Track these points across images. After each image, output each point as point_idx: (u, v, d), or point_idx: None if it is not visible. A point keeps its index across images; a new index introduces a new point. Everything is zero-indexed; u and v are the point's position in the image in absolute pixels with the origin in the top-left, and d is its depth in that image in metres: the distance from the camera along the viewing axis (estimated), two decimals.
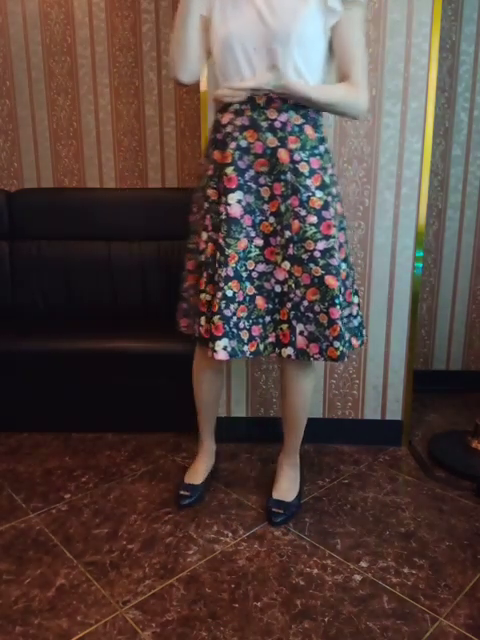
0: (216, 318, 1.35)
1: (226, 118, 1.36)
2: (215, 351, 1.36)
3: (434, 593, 1.28)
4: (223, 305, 1.35)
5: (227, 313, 1.35)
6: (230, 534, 1.50)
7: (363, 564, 1.38)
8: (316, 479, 1.79)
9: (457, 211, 2.38)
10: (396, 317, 1.91)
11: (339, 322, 1.36)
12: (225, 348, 1.36)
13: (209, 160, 1.42)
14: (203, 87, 1.73)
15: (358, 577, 1.34)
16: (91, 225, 2.34)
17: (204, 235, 1.42)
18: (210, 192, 1.40)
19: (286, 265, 1.36)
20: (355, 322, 1.49)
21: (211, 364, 1.59)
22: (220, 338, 1.35)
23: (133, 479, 1.78)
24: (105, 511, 1.60)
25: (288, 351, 1.39)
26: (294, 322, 1.38)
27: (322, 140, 1.39)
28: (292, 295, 1.37)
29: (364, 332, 1.54)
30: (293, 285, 1.37)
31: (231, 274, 1.35)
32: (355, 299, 1.49)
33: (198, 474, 1.69)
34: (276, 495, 1.60)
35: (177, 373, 2.02)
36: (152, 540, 1.47)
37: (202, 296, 1.42)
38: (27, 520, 1.56)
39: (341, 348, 1.37)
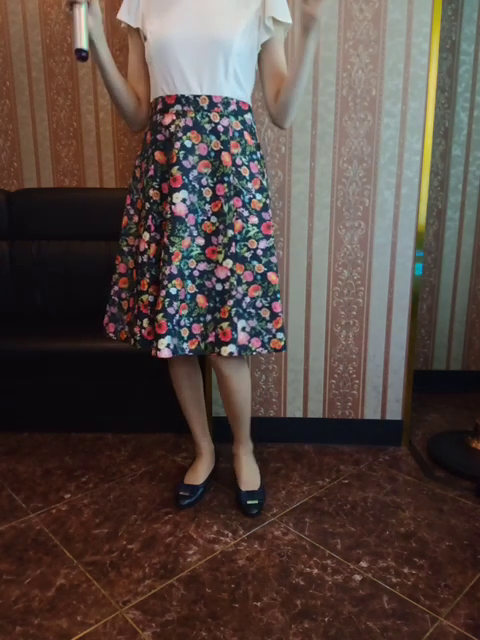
0: (160, 316, 1.36)
1: (168, 119, 1.38)
2: (159, 349, 1.35)
3: (434, 593, 1.28)
4: (167, 303, 1.36)
5: (170, 311, 1.36)
6: (230, 534, 1.50)
7: (363, 564, 1.38)
8: (316, 479, 1.79)
9: (457, 211, 2.39)
10: (396, 317, 1.91)
11: (281, 315, 1.47)
12: (168, 345, 1.36)
13: (149, 161, 1.42)
14: None
15: (358, 577, 1.34)
16: (91, 225, 2.34)
17: (146, 236, 1.42)
18: (152, 193, 1.41)
19: (228, 263, 1.39)
20: None
21: (185, 364, 1.62)
22: (163, 336, 1.36)
23: (133, 479, 1.78)
24: (105, 511, 1.60)
25: (229, 348, 1.39)
26: (235, 319, 1.40)
27: (258, 146, 1.47)
28: (234, 292, 1.39)
29: None
30: (235, 282, 1.40)
31: (175, 272, 1.36)
32: None
33: (198, 475, 1.70)
34: (245, 487, 1.64)
35: None
36: (152, 540, 1.47)
37: (144, 297, 1.43)
38: (27, 520, 1.56)
39: (284, 338, 1.48)
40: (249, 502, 1.60)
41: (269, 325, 1.47)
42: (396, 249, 1.86)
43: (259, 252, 1.44)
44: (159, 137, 1.40)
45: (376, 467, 1.87)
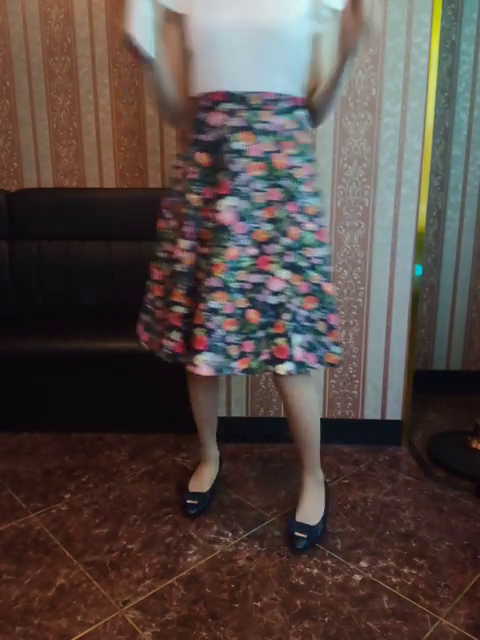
0: (198, 331, 1.25)
1: (215, 118, 1.27)
2: (195, 365, 1.25)
3: (434, 593, 1.28)
4: (206, 317, 1.25)
5: (210, 325, 1.25)
6: (230, 534, 1.50)
7: (363, 564, 1.38)
8: None
9: (457, 211, 2.38)
10: (396, 317, 1.91)
11: (337, 328, 1.37)
12: (207, 362, 1.25)
13: (191, 163, 1.32)
14: None
15: (358, 577, 1.34)
16: (91, 225, 2.34)
17: (182, 243, 1.32)
18: (191, 197, 1.31)
19: (284, 274, 1.28)
20: None
21: (203, 379, 1.51)
22: (201, 352, 1.25)
23: (133, 479, 1.78)
24: (105, 511, 1.60)
25: (286, 367, 1.29)
26: (291, 334, 1.29)
27: (311, 147, 1.36)
28: (289, 305, 1.29)
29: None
30: (291, 294, 1.29)
31: (218, 285, 1.25)
32: None
33: (203, 482, 1.64)
34: (299, 517, 1.47)
35: (178, 373, 2.02)
36: (152, 540, 1.47)
37: (176, 308, 1.33)
38: (27, 520, 1.56)
39: (339, 352, 1.37)
40: (297, 534, 1.44)
41: (325, 338, 1.35)
42: (396, 249, 1.86)
43: (315, 261, 1.32)
44: (203, 137, 1.29)
45: (376, 467, 1.86)
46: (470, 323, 2.50)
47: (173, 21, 1.30)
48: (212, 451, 1.69)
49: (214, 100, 1.26)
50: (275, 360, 1.29)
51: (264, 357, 1.30)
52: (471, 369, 2.54)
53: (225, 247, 1.25)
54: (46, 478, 1.78)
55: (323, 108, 1.35)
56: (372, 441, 2.01)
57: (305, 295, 1.32)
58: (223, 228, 1.25)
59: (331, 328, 1.36)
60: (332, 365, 1.38)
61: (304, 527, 1.45)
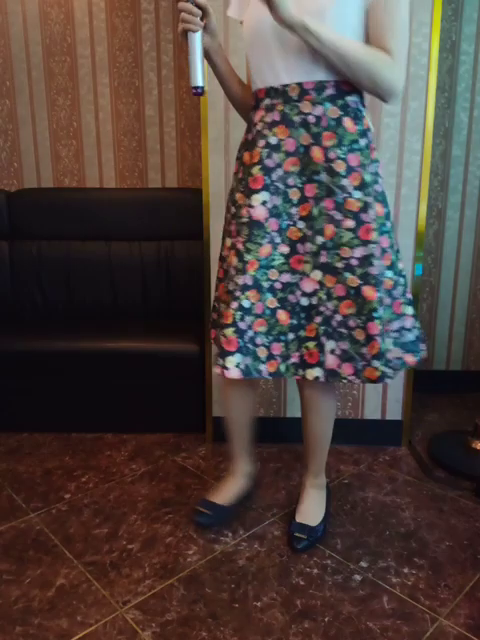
0: (229, 331, 1.22)
1: (257, 115, 1.27)
2: (226, 368, 1.22)
3: (434, 593, 1.28)
4: (238, 317, 1.22)
5: (242, 326, 1.22)
6: (230, 534, 1.50)
7: (363, 564, 1.38)
8: None
9: (457, 211, 2.38)
10: None
11: (378, 338, 1.22)
12: (238, 365, 1.22)
13: (239, 162, 1.34)
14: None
15: (358, 577, 1.34)
16: (91, 225, 2.34)
17: (228, 241, 1.33)
18: (237, 196, 1.31)
19: (317, 275, 1.23)
20: (410, 336, 1.33)
21: (244, 385, 1.44)
22: (232, 353, 1.22)
23: (133, 479, 1.78)
24: (105, 511, 1.60)
25: (315, 372, 1.25)
26: (324, 339, 1.24)
27: (363, 133, 1.23)
28: (322, 308, 1.24)
29: (423, 347, 1.36)
30: (324, 297, 1.23)
31: (250, 283, 1.23)
32: (408, 310, 1.33)
33: (223, 494, 1.53)
34: (299, 518, 1.47)
35: (178, 373, 2.03)
36: (152, 540, 1.47)
37: (221, 306, 1.36)
38: (27, 520, 1.56)
39: (381, 368, 1.22)
40: (297, 534, 1.43)
41: (363, 349, 1.22)
42: None
43: (353, 262, 1.21)
44: (248, 136, 1.30)
45: (376, 467, 1.87)
46: (470, 323, 2.50)
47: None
48: (241, 464, 1.57)
49: (258, 98, 1.27)
50: (305, 364, 1.26)
51: (293, 360, 1.27)
52: (471, 369, 2.54)
53: (259, 244, 1.23)
54: (46, 478, 1.78)
55: (349, 76, 1.18)
56: (372, 441, 2.01)
57: (341, 299, 1.23)
58: (257, 223, 1.23)
59: (370, 339, 1.21)
60: (370, 381, 1.24)
61: (304, 528, 1.45)
